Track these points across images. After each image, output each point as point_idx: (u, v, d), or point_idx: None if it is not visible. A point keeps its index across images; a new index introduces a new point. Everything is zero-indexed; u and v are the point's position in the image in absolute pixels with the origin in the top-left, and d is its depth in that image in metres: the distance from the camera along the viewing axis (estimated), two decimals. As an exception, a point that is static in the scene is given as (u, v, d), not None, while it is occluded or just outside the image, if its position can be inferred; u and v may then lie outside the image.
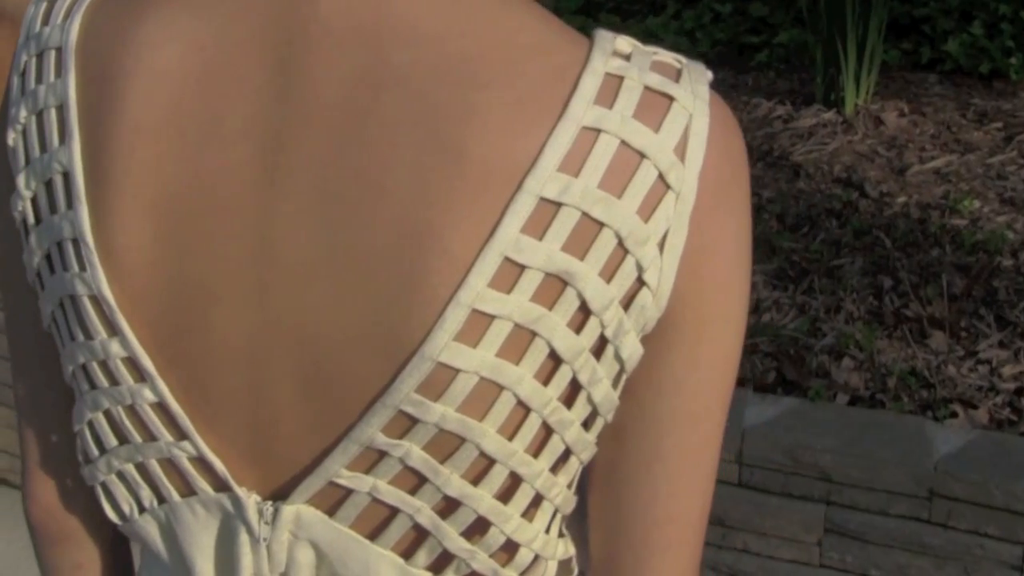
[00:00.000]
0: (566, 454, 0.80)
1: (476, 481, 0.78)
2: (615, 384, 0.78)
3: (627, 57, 0.76)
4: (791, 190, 3.92)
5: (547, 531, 0.83)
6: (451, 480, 0.77)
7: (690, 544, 0.84)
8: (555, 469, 0.81)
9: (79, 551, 0.99)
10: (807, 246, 3.57)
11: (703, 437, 0.81)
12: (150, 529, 0.86)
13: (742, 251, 0.79)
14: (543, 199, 0.72)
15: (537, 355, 0.74)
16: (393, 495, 0.78)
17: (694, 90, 0.76)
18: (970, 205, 3.77)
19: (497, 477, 0.77)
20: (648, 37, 5.24)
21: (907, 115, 4.40)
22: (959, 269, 3.41)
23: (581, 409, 0.78)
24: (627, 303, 0.75)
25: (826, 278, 3.41)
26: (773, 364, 3.05)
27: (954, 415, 2.83)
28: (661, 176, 0.74)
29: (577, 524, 0.88)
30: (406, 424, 0.75)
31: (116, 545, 1.01)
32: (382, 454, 0.77)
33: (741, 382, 2.98)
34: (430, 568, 0.82)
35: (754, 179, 4.02)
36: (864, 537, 2.63)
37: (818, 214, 3.76)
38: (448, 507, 0.79)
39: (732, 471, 2.70)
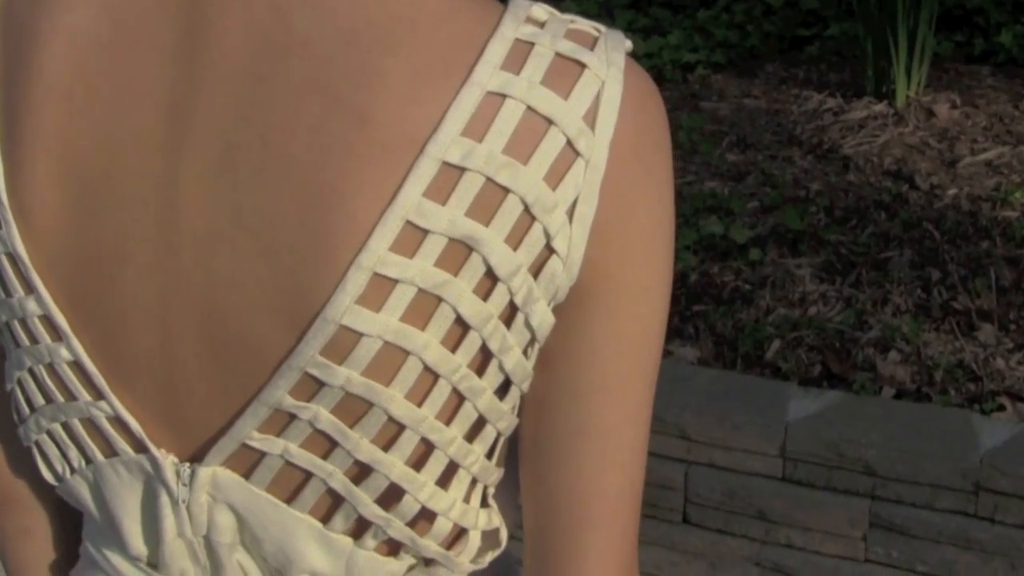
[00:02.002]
0: (480, 422, 0.80)
1: (387, 447, 0.78)
2: (527, 353, 0.78)
3: (541, 24, 0.75)
4: (840, 183, 3.88)
5: (466, 500, 0.83)
6: (361, 445, 0.77)
7: (621, 521, 0.83)
8: (470, 437, 0.80)
9: (26, 515, 1.01)
10: (855, 239, 3.55)
11: (625, 413, 0.80)
12: (81, 490, 0.87)
13: (661, 223, 0.78)
14: (446, 163, 0.72)
15: (443, 321, 0.74)
16: (305, 459, 0.78)
17: (609, 58, 0.75)
18: (1022, 197, 3.72)
19: (407, 443, 0.78)
20: (698, 31, 5.22)
21: (959, 107, 4.35)
22: (1009, 262, 3.37)
23: (493, 377, 0.78)
24: (536, 271, 0.75)
25: (873, 271, 3.38)
26: (818, 357, 3.03)
27: (1002, 408, 2.80)
28: (570, 143, 0.73)
29: (511, 496, 0.88)
30: (313, 387, 0.76)
31: (64, 509, 1.02)
32: (291, 417, 0.77)
33: (785, 376, 2.97)
34: (348, 532, 0.82)
35: (803, 172, 3.99)
36: (910, 532, 2.61)
37: (867, 207, 3.73)
38: (360, 473, 0.79)
39: (776, 465, 2.69)
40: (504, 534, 0.88)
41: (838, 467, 2.64)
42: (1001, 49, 4.82)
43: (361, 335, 0.74)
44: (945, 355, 3.00)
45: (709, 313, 3.25)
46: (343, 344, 0.74)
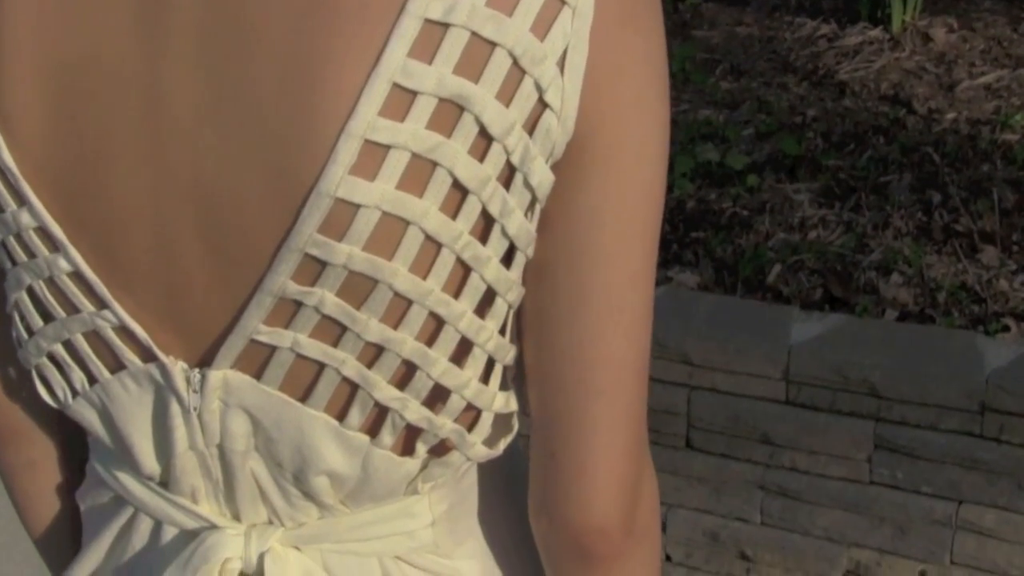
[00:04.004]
0: (489, 295, 0.79)
1: (396, 325, 0.76)
2: (529, 215, 0.77)
3: None
4: (837, 109, 3.84)
5: (483, 381, 0.82)
6: (370, 325, 0.76)
7: (628, 390, 0.82)
8: (481, 312, 0.79)
9: (31, 448, 0.99)
10: (853, 164, 3.51)
11: (627, 276, 0.79)
12: (86, 412, 0.85)
13: (653, 74, 0.77)
14: (428, 21, 0.70)
15: (440, 186, 0.72)
16: (315, 349, 0.77)
17: None
18: (1022, 120, 3.69)
19: (416, 319, 0.76)
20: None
21: (956, 31, 4.30)
22: (1010, 184, 3.34)
23: (497, 244, 0.76)
24: (531, 127, 0.73)
25: (873, 195, 3.35)
26: (819, 281, 3.00)
27: (1006, 329, 2.78)
28: None
29: (517, 385, 0.87)
30: (315, 269, 0.74)
31: (70, 440, 1.00)
32: (297, 304, 0.76)
33: (787, 300, 2.94)
34: (365, 428, 0.81)
35: (798, 99, 3.95)
36: (915, 453, 2.59)
37: (865, 132, 3.69)
38: (372, 355, 0.78)
39: (779, 389, 2.67)
40: (516, 421, 0.87)
41: (842, 390, 2.62)
42: (997, -27, 4.76)
43: (358, 207, 0.72)
44: (948, 277, 2.98)
45: (708, 239, 3.21)
46: (341, 219, 0.72)
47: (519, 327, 0.83)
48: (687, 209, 3.36)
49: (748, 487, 2.76)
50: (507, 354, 0.83)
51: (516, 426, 0.87)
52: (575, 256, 0.78)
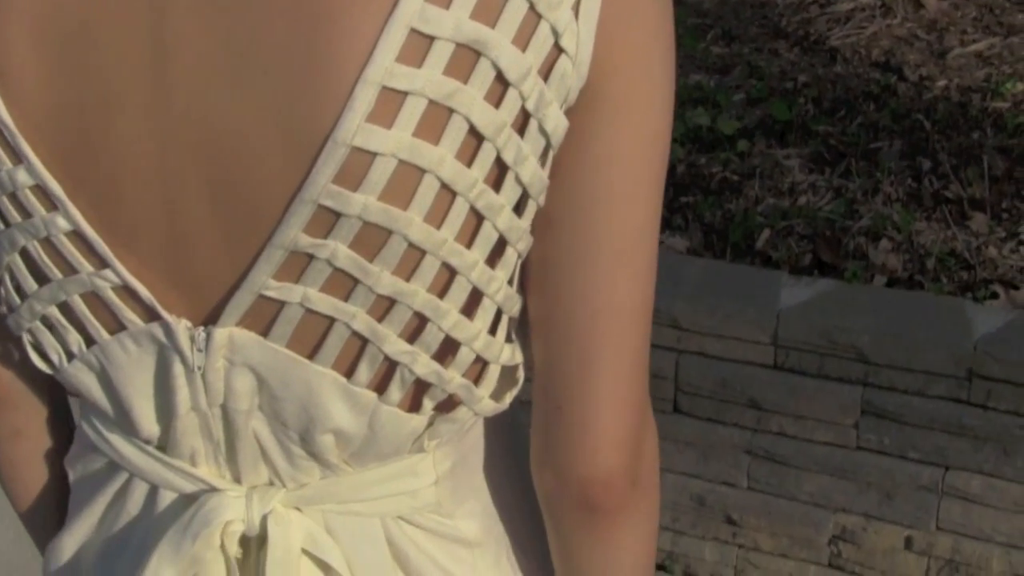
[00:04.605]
0: (501, 244, 0.78)
1: (409, 276, 0.76)
2: (542, 161, 0.76)
3: None
4: (828, 75, 3.83)
5: (491, 332, 0.82)
6: (382, 278, 0.75)
7: (634, 339, 0.82)
8: (491, 262, 0.79)
9: (17, 415, 0.98)
10: (844, 130, 3.50)
11: (636, 221, 0.79)
12: (82, 376, 0.84)
13: (663, 22, 0.77)
14: None
15: (456, 133, 0.72)
16: (326, 303, 0.76)
17: None
18: (1013, 88, 3.68)
19: (429, 269, 0.76)
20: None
21: (948, -2, 4.29)
22: (1000, 151, 3.33)
23: (510, 192, 0.76)
24: (546, 73, 0.73)
25: (863, 161, 3.34)
26: (809, 246, 3.00)
27: (994, 296, 2.78)
28: None
29: (521, 338, 0.87)
30: (328, 220, 0.73)
31: (58, 408, 0.99)
32: (309, 258, 0.74)
33: (776, 264, 2.93)
34: (373, 384, 0.80)
35: (789, 64, 3.93)
36: (902, 419, 2.60)
37: (855, 98, 3.68)
38: (383, 308, 0.77)
39: (767, 353, 2.66)
40: (522, 373, 0.87)
41: (830, 354, 2.61)
42: (989, -59, 4.75)
43: (375, 155, 0.71)
44: (937, 243, 2.97)
45: (698, 204, 3.20)
46: (356, 168, 0.71)
47: (524, 279, 0.83)
48: (677, 173, 3.35)
49: (735, 452, 2.76)
50: (514, 305, 0.82)
51: (521, 379, 0.87)
52: (586, 203, 0.78)
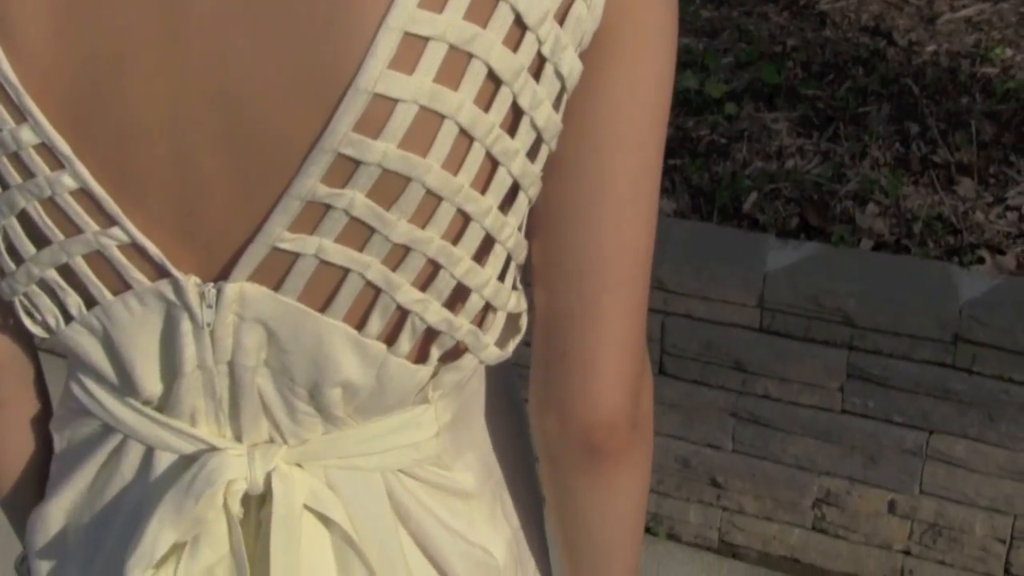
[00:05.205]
0: (513, 190, 0.79)
1: (424, 224, 0.76)
2: (557, 106, 0.77)
3: None
4: (817, 39, 3.82)
5: (500, 279, 0.82)
6: (398, 226, 0.75)
7: (638, 281, 0.84)
8: (504, 208, 0.79)
9: (0, 385, 0.95)
10: (832, 94, 3.49)
11: (644, 163, 0.81)
12: (81, 338, 0.82)
13: None
14: None
15: (475, 78, 0.72)
16: (341, 254, 0.76)
17: None
18: (1002, 53, 3.67)
19: (444, 216, 0.76)
20: None
21: (938, -37, 4.27)
22: (989, 117, 3.32)
23: (525, 136, 0.76)
24: (562, 16, 0.74)
25: (851, 125, 3.33)
26: (796, 210, 2.99)
27: (981, 261, 2.77)
28: None
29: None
30: (347, 169, 0.73)
31: (39, 378, 0.97)
32: (326, 208, 0.74)
33: (763, 228, 2.93)
34: (383, 335, 0.80)
35: (778, 28, 3.92)
36: (887, 382, 2.60)
37: (844, 62, 3.67)
38: (398, 257, 0.77)
39: (753, 316, 2.66)
40: (525, 321, 0.87)
41: (816, 318, 2.61)
42: (980, -94, 4.72)
43: (396, 102, 0.71)
44: (924, 208, 2.97)
45: (685, 166, 3.19)
46: (377, 115, 0.71)
47: (531, 225, 0.83)
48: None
49: (720, 414, 2.76)
50: (522, 252, 0.83)
51: (524, 327, 0.87)
52: (598, 146, 0.79)
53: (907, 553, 2.70)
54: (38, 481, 0.98)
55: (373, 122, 0.71)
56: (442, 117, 0.72)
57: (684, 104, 3.48)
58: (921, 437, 2.60)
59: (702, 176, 3.15)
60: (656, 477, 2.85)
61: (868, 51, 3.73)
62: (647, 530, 2.89)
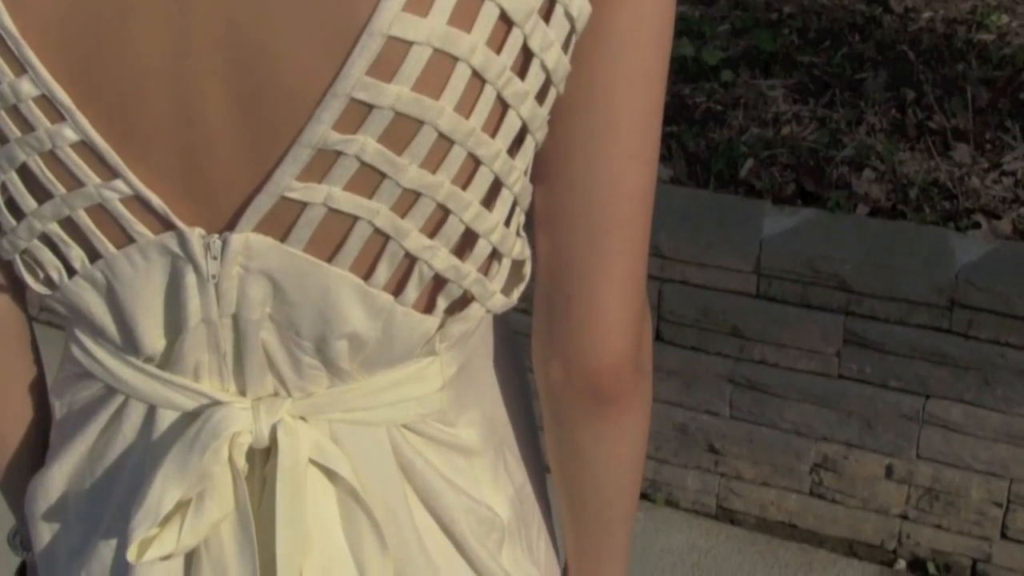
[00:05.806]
0: (522, 133, 0.78)
1: (435, 168, 0.75)
2: (566, 48, 0.77)
3: None
4: (813, 6, 3.81)
5: (506, 224, 0.82)
6: (409, 171, 0.74)
7: (642, 222, 0.84)
8: (512, 151, 0.79)
9: None
10: (828, 60, 3.48)
11: (652, 103, 0.81)
12: (83, 293, 0.81)
13: None
14: None
15: (488, 20, 0.72)
16: (350, 201, 0.75)
17: None
18: (998, 20, 3.67)
19: (455, 160, 0.76)
20: None
21: (934, -71, 4.26)
22: (985, 83, 3.32)
23: (535, 79, 0.76)
24: None
25: (848, 91, 3.33)
26: (792, 176, 2.99)
27: (977, 226, 2.78)
28: None
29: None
30: (360, 114, 0.72)
31: (34, 346, 0.96)
32: (336, 155, 0.73)
33: (759, 194, 2.93)
34: (391, 285, 0.80)
35: (774, -5, 3.91)
36: (883, 348, 2.60)
37: (840, 29, 3.66)
38: (407, 203, 0.76)
39: (750, 282, 2.66)
40: (528, 268, 0.87)
41: (813, 283, 2.62)
42: None
43: (411, 44, 0.70)
44: (920, 174, 2.97)
45: (681, 133, 3.19)
46: (391, 58, 0.70)
47: (536, 170, 0.83)
48: (661, 104, 3.33)
49: (718, 380, 2.77)
50: (527, 198, 0.83)
51: (528, 275, 0.87)
52: (606, 87, 0.79)
53: (904, 517, 2.71)
54: (36, 450, 0.97)
55: (387, 65, 0.70)
56: (455, 59, 0.72)
57: (680, 71, 3.47)
58: (918, 402, 2.61)
59: (698, 143, 3.15)
60: (654, 443, 2.86)
61: (864, 18, 3.72)
62: (645, 496, 2.90)
